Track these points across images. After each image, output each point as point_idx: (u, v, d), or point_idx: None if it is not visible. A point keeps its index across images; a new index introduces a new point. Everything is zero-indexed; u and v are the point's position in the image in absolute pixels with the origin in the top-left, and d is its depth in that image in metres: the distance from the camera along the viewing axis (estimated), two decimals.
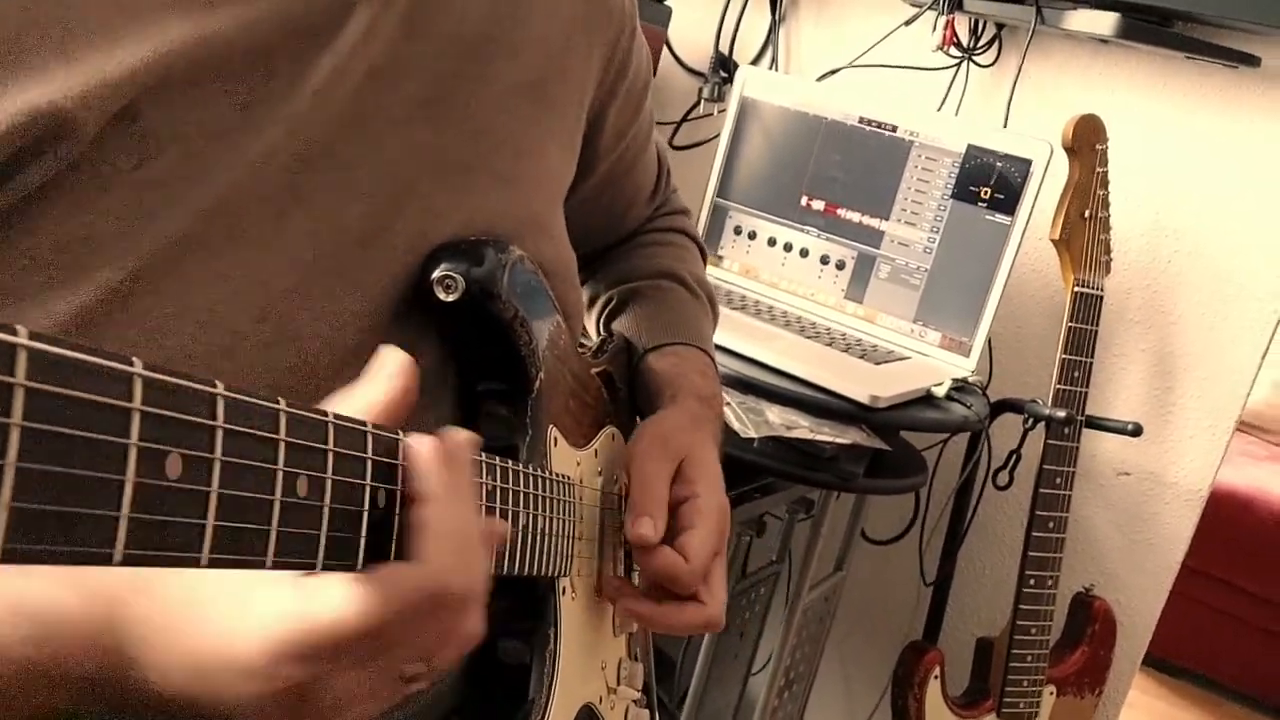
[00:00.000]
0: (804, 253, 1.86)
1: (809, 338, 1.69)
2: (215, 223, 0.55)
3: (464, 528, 0.50)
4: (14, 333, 0.30)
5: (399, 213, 0.64)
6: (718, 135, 1.97)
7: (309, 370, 0.60)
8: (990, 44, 1.91)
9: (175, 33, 0.53)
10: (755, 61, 2.17)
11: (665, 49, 2.17)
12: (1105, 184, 1.65)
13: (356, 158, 0.62)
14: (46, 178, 0.50)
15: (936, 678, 1.75)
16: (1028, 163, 1.65)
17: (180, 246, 0.54)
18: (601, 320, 1.00)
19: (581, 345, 0.90)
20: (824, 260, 1.85)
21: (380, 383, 0.51)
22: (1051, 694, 1.80)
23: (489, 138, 0.71)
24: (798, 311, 1.84)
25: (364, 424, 0.48)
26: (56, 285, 0.51)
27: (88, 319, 0.51)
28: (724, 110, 2.00)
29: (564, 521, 0.74)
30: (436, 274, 0.64)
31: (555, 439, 0.75)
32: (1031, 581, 1.71)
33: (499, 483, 0.62)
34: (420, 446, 0.50)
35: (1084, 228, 1.64)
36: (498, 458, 0.62)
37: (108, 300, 0.52)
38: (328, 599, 0.45)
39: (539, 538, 0.69)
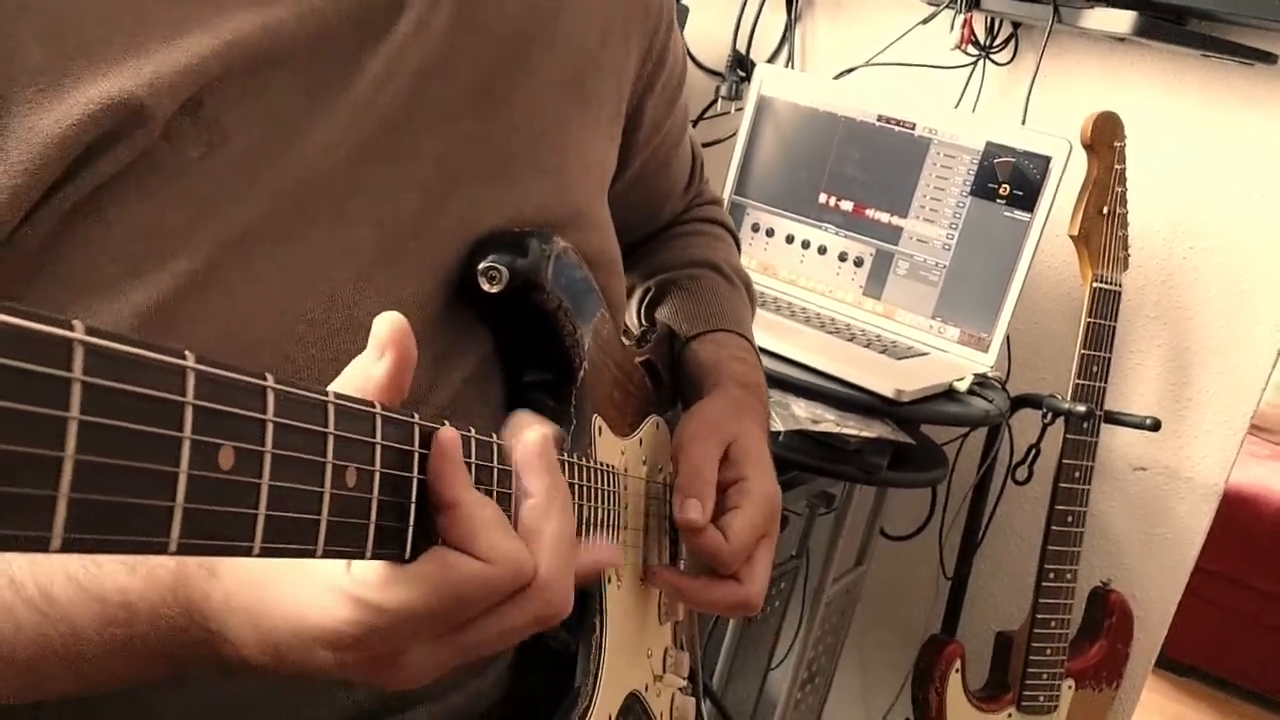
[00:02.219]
0: (822, 250, 1.87)
1: (829, 333, 1.70)
2: (281, 211, 0.56)
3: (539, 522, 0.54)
4: (71, 328, 0.31)
5: (447, 204, 0.66)
6: (735, 133, 1.98)
7: None
8: (1007, 42, 1.92)
9: (240, 23, 0.55)
10: (772, 60, 2.18)
11: (676, 26, 2.17)
12: (1123, 181, 1.65)
13: (410, 148, 0.64)
14: (118, 167, 0.51)
15: (957, 671, 1.75)
16: (1047, 160, 1.65)
17: (249, 236, 0.55)
18: (641, 311, 1.01)
19: (624, 335, 0.91)
20: (842, 257, 1.85)
21: (381, 358, 0.50)
22: (1070, 687, 1.81)
23: (531, 131, 0.72)
24: (816, 308, 1.85)
25: (412, 415, 0.49)
26: (133, 276, 0.52)
27: (167, 310, 0.52)
28: (741, 109, 2.01)
29: (609, 511, 0.74)
30: (482, 265, 0.65)
31: (600, 428, 0.76)
32: (1051, 576, 1.71)
33: None
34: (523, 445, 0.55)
35: (1102, 224, 1.65)
36: None
37: (185, 290, 0.53)
38: (377, 588, 0.47)
39: (584, 527, 0.69)
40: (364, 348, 0.61)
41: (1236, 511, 2.96)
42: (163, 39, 0.52)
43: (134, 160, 0.52)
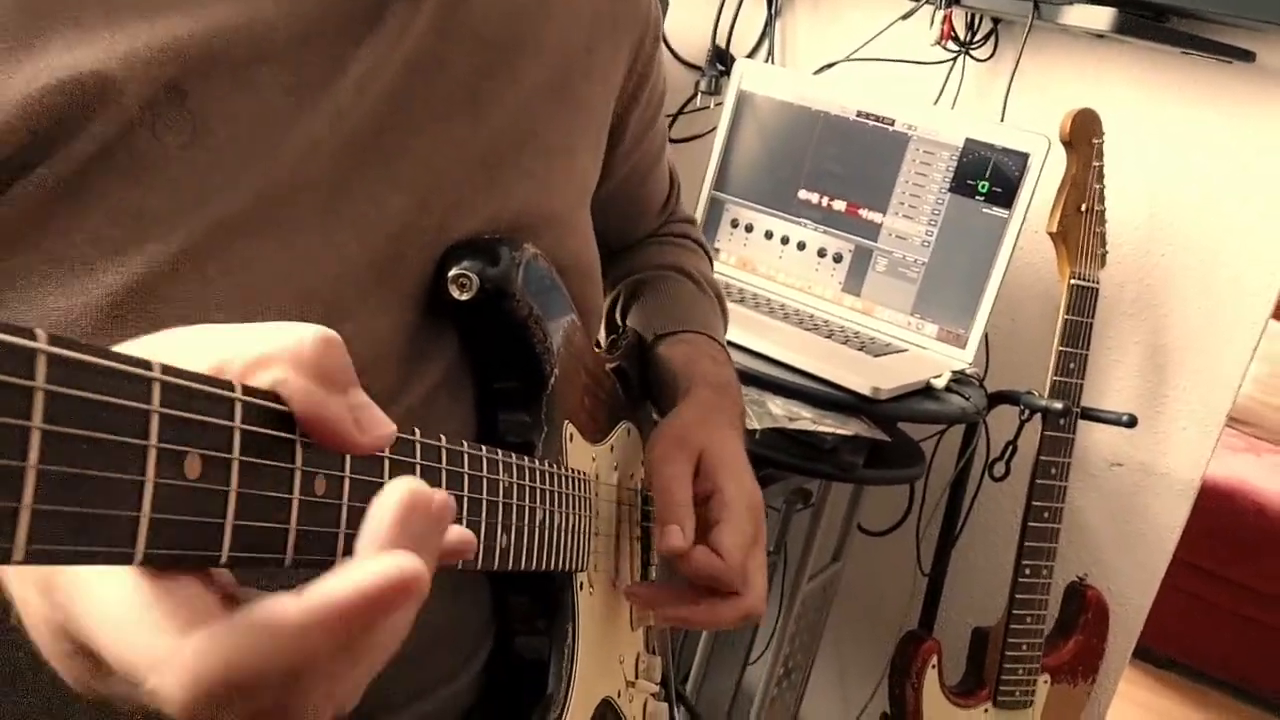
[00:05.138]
0: (801, 246, 1.87)
1: (807, 330, 1.70)
2: (262, 208, 0.56)
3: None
4: (34, 337, 0.30)
5: (430, 206, 0.65)
6: (714, 128, 1.97)
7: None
8: (987, 38, 1.92)
9: (221, 12, 0.54)
10: (751, 55, 2.17)
11: (662, 42, 2.17)
12: (1101, 178, 1.66)
13: (396, 151, 0.63)
14: (98, 147, 0.51)
15: (934, 667, 1.76)
16: (1025, 156, 1.66)
17: (228, 227, 0.55)
18: (615, 315, 1.00)
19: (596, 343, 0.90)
20: (821, 253, 1.85)
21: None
22: (1046, 682, 1.81)
23: (516, 134, 0.71)
24: (795, 304, 1.85)
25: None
26: (108, 255, 0.52)
27: (138, 291, 0.52)
28: (721, 103, 2.00)
29: (580, 517, 0.74)
30: (452, 273, 0.65)
31: (571, 435, 0.75)
32: (1027, 571, 1.72)
33: (515, 479, 0.63)
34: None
35: (1080, 221, 1.65)
36: (514, 454, 0.63)
37: (157, 273, 0.52)
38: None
39: (556, 533, 0.69)
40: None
41: (1213, 504, 2.98)
42: (141, 15, 0.52)
43: (116, 145, 0.51)
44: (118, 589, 0.38)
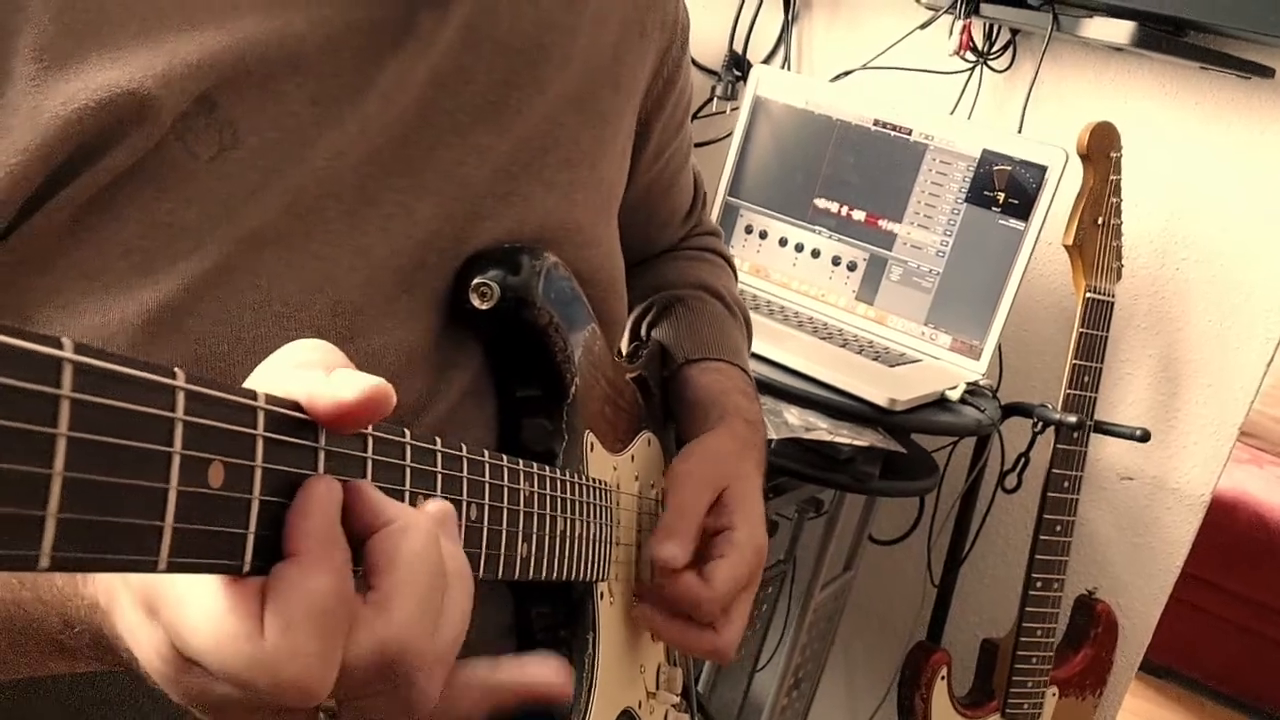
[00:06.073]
0: (815, 253, 1.87)
1: (821, 338, 1.69)
2: (291, 217, 0.56)
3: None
4: (60, 346, 0.31)
5: (455, 215, 0.66)
6: (730, 134, 1.97)
7: (376, 367, 0.61)
8: (1005, 49, 1.92)
9: (252, 25, 0.55)
10: (768, 61, 2.17)
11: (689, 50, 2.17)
12: (1118, 191, 1.65)
13: (421, 161, 0.63)
14: (132, 161, 0.51)
15: (943, 678, 1.75)
16: (1043, 169, 1.65)
17: (258, 239, 0.55)
18: (642, 327, 0.99)
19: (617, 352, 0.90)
20: (835, 261, 1.85)
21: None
22: (1054, 695, 1.81)
23: (539, 144, 0.71)
24: (809, 312, 1.85)
25: (403, 433, 0.48)
26: (144, 273, 0.52)
27: (175, 309, 0.52)
28: (737, 109, 2.00)
29: (601, 527, 0.74)
30: (473, 282, 0.65)
31: (592, 444, 0.75)
32: (1038, 584, 1.71)
33: (536, 488, 0.63)
34: None
35: (1097, 234, 1.65)
36: (534, 464, 0.63)
37: (192, 290, 0.53)
38: (200, 609, 0.39)
39: (576, 543, 0.69)
40: (367, 358, 0.61)
41: (1215, 515, 2.96)
42: (176, 30, 0.53)
43: (147, 156, 0.52)
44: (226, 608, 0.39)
